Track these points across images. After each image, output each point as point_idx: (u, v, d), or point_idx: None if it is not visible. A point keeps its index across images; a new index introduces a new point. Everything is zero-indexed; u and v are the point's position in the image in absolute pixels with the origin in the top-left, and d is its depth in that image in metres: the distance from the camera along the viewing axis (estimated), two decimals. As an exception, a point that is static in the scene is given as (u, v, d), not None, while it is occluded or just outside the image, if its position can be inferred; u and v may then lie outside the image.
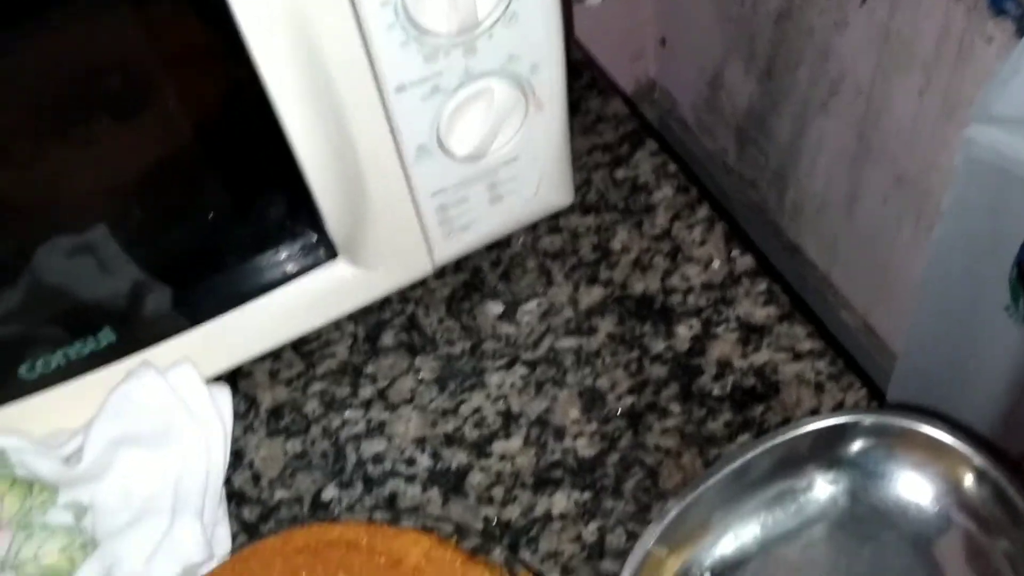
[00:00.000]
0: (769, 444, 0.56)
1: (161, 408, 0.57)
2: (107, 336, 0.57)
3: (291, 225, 0.61)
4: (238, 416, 0.64)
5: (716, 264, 0.69)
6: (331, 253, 0.62)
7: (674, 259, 0.69)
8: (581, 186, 0.73)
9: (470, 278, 0.70)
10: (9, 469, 0.55)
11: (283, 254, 0.61)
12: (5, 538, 0.54)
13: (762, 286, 0.67)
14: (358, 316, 0.69)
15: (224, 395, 0.61)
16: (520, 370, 0.65)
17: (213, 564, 0.54)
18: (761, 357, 0.64)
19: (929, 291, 0.84)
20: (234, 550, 0.57)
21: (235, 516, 0.60)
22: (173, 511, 0.55)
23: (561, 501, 0.59)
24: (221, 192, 0.59)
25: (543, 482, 0.60)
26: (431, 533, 0.53)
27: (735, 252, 0.69)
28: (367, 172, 0.57)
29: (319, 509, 0.60)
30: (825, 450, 0.56)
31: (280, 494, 0.61)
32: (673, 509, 0.54)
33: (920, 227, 0.93)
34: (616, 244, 0.70)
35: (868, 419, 0.56)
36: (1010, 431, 0.60)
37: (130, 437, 0.56)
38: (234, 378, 0.65)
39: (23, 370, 0.56)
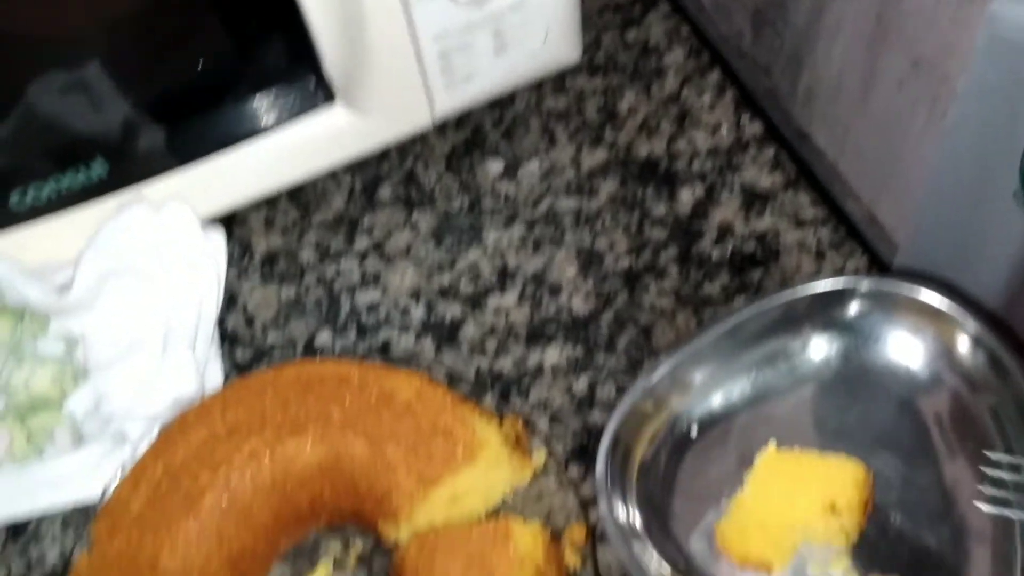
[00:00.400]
0: (765, 305, 0.56)
1: (153, 242, 0.56)
2: (100, 168, 0.56)
3: (289, 66, 0.59)
4: (232, 261, 0.63)
5: (724, 130, 0.67)
6: (329, 97, 0.60)
7: (681, 124, 0.68)
8: (590, 46, 0.71)
9: (471, 135, 0.69)
10: (-1, 294, 0.55)
11: (280, 96, 0.60)
12: (-3, 364, 0.54)
13: (769, 153, 0.66)
14: (355, 169, 0.68)
15: (218, 236, 0.61)
16: (518, 228, 0.65)
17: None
18: (763, 223, 0.63)
19: (939, 174, 0.82)
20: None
21: (228, 357, 0.60)
22: (164, 344, 0.55)
23: (553, 355, 0.59)
24: (218, 28, 0.57)
25: (536, 336, 0.60)
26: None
27: (744, 118, 0.68)
28: (368, 10, 0.55)
29: (312, 354, 0.60)
30: (821, 313, 0.56)
31: (273, 338, 0.61)
32: (664, 363, 0.54)
33: (934, 115, 0.91)
34: (623, 107, 0.69)
35: (865, 284, 0.55)
36: (1013, 315, 0.59)
37: (121, 269, 0.56)
38: (229, 225, 0.65)
39: (14, 199, 0.56)
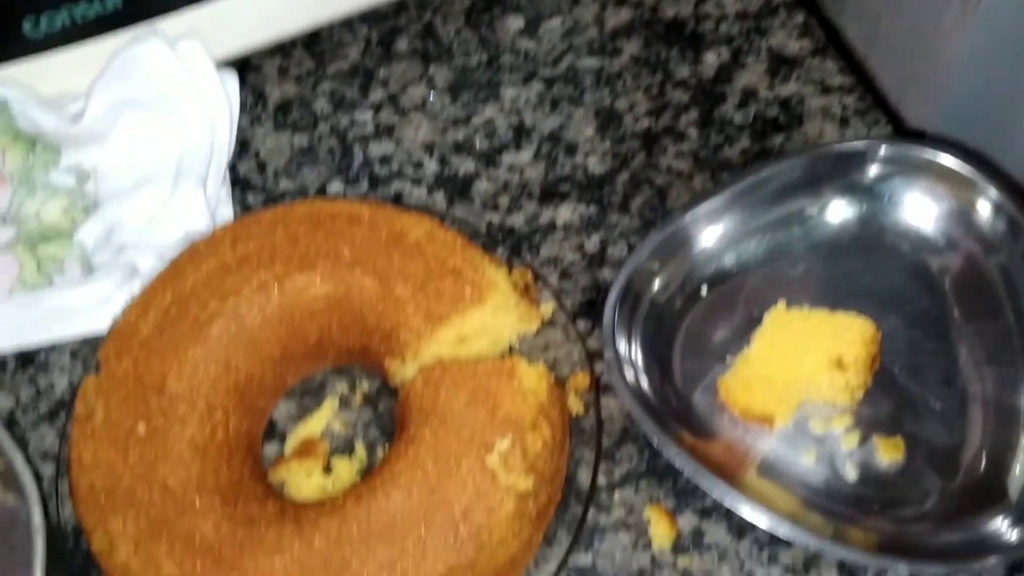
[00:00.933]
0: (784, 164, 0.55)
1: (166, 76, 0.55)
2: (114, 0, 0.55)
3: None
4: (245, 108, 0.62)
5: (753, -7, 0.65)
6: (348, -63, 0.59)
7: (709, -15, 0.66)
8: (618, -98, 0.68)
9: (492, -10, 0.67)
10: (11, 120, 0.54)
11: (298, -65, 0.58)
12: (6, 192, 0.54)
13: (799, 19, 0.64)
14: (372, 20, 0.66)
15: (232, 80, 0.60)
16: (537, 86, 0.63)
17: (215, 236, 0.54)
18: (788, 89, 0.62)
19: (969, 64, 0.80)
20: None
21: (239, 201, 0.60)
22: (176, 178, 0.54)
23: (566, 213, 0.59)
24: None
25: (550, 194, 0.59)
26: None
27: (774, -18, 0.65)
28: None
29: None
30: (841, 175, 0.55)
31: (285, 184, 0.60)
32: (678, 218, 0.54)
33: (969, 5, 0.88)
34: (649, -34, 0.67)
35: (887, 147, 0.54)
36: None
37: (134, 101, 0.55)
38: (243, 73, 0.63)
39: (27, 27, 0.55)
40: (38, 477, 0.51)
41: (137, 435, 0.45)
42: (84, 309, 0.53)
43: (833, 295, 0.53)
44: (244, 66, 0.64)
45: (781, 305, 0.52)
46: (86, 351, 0.55)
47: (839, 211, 0.55)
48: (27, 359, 0.55)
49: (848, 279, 0.54)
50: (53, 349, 0.55)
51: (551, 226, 0.58)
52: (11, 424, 0.53)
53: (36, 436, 0.53)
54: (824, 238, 0.55)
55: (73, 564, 0.48)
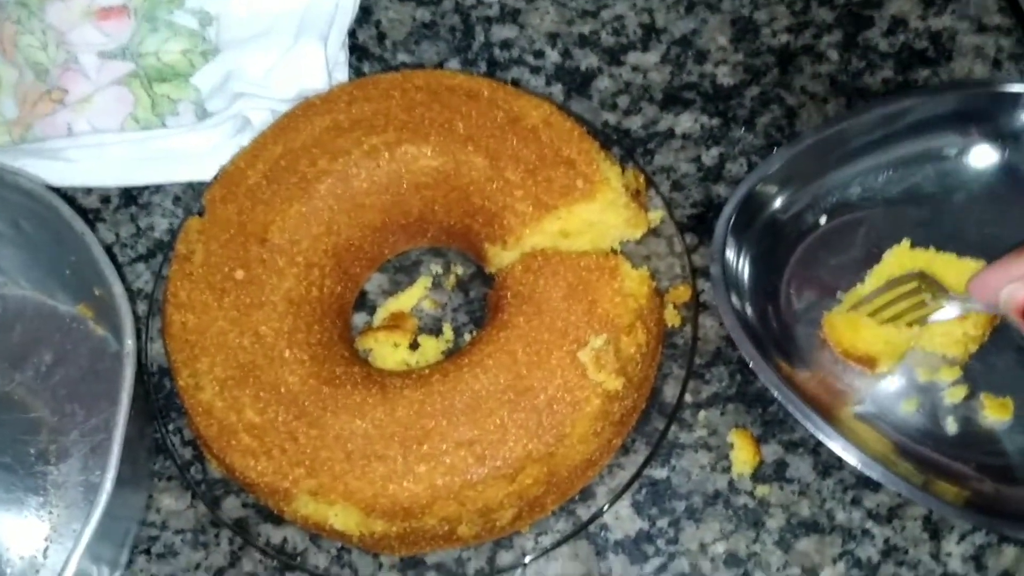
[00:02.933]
0: (929, 96, 0.52)
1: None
2: None
3: None
4: (371, -26, 0.61)
5: (918, -85, 0.61)
6: None
7: (872, -100, 0.61)
8: None
9: None
10: (142, -48, 0.54)
11: None
12: (130, 25, 0.54)
13: (964, -52, 0.60)
14: (512, -100, 0.63)
15: (362, -60, 0.58)
16: (673, -14, 0.60)
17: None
18: (941, 22, 0.58)
19: None
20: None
21: (355, 69, 0.58)
22: (298, 33, 0.53)
23: (687, 121, 0.56)
24: None
25: (672, 100, 0.57)
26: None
27: (944, -95, 0.61)
28: None
29: (439, 78, 0.58)
30: (990, 118, 0.51)
31: (403, 57, 0.59)
32: (805, 140, 0.51)
33: None
34: None
35: (1048, 93, 0.50)
36: None
37: (265, -52, 0.54)
38: (373, -63, 0.62)
39: None
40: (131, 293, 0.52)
41: (235, 280, 0.45)
42: (192, 155, 0.53)
43: (961, 242, 0.50)
44: (374, -69, 0.62)
45: (905, 244, 0.49)
46: (189, 197, 0.55)
47: (981, 155, 0.51)
48: (131, 197, 0.55)
49: (979, 227, 0.50)
50: (157, 191, 0.55)
51: (669, 133, 0.56)
52: (110, 258, 0.54)
53: (132, 274, 0.53)
54: (960, 182, 0.52)
55: (155, 402, 0.48)
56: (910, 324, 0.47)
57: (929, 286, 0.47)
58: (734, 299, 0.48)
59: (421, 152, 0.48)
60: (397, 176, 0.48)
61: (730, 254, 0.49)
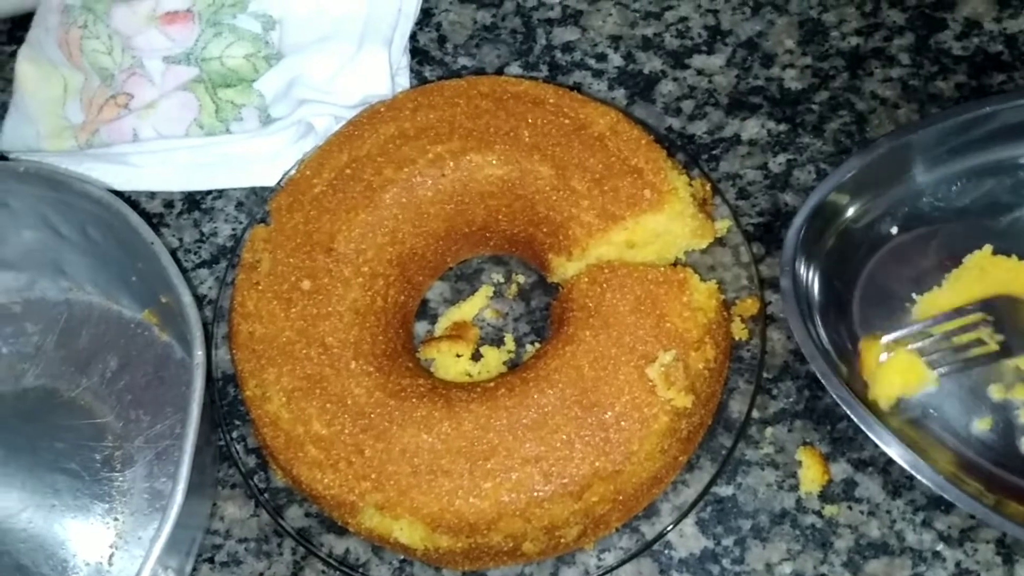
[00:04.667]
0: (1007, 103, 0.50)
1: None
2: None
3: None
4: (432, -24, 0.60)
5: (995, -87, 0.59)
6: None
7: (947, -102, 0.60)
8: None
9: None
10: (207, -45, 0.53)
11: None
12: (194, 30, 0.54)
13: (1043, -53, 0.58)
14: (574, -102, 0.62)
15: (424, -57, 0.57)
16: (739, -12, 0.59)
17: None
18: (1017, 24, 0.56)
19: None
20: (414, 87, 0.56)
21: (416, 72, 0.58)
22: (361, 38, 0.53)
23: (754, 127, 0.55)
24: None
25: (739, 105, 0.56)
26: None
27: (1022, -97, 0.59)
28: None
29: (500, 82, 0.58)
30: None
31: (463, 61, 0.58)
32: (878, 149, 0.49)
33: None
34: None
35: None
36: None
37: (328, -47, 0.54)
38: (433, -62, 0.61)
39: None
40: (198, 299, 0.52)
41: (301, 290, 0.45)
42: (256, 160, 0.53)
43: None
44: (435, -69, 0.61)
45: (987, 249, 0.48)
46: (252, 202, 0.55)
47: (1060, 165, 0.50)
48: (194, 202, 0.55)
49: (1059, 240, 0.49)
50: (220, 196, 0.55)
51: (735, 139, 0.55)
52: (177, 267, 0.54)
53: (195, 279, 0.54)
54: (1038, 193, 0.50)
55: (220, 409, 0.49)
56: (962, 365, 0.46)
57: (999, 320, 0.46)
58: (804, 312, 0.47)
59: (486, 161, 0.48)
60: (462, 185, 0.48)
61: (800, 266, 0.48)
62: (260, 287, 0.46)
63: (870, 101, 0.55)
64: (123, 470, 0.49)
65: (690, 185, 0.48)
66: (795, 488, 0.46)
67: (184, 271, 0.54)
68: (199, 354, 0.42)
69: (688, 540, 0.45)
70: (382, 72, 0.52)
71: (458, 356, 0.49)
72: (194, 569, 0.47)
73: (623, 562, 0.44)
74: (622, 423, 0.41)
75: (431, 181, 0.48)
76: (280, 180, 0.52)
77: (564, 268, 0.48)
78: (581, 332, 0.44)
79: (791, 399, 0.48)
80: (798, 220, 0.48)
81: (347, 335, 0.44)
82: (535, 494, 0.41)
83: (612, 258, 0.47)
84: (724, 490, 0.46)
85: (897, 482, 0.46)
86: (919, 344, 0.47)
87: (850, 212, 0.50)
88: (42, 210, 0.49)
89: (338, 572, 0.46)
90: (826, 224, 0.49)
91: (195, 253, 0.54)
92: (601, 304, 0.44)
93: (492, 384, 0.44)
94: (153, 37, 0.53)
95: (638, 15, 0.59)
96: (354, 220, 0.47)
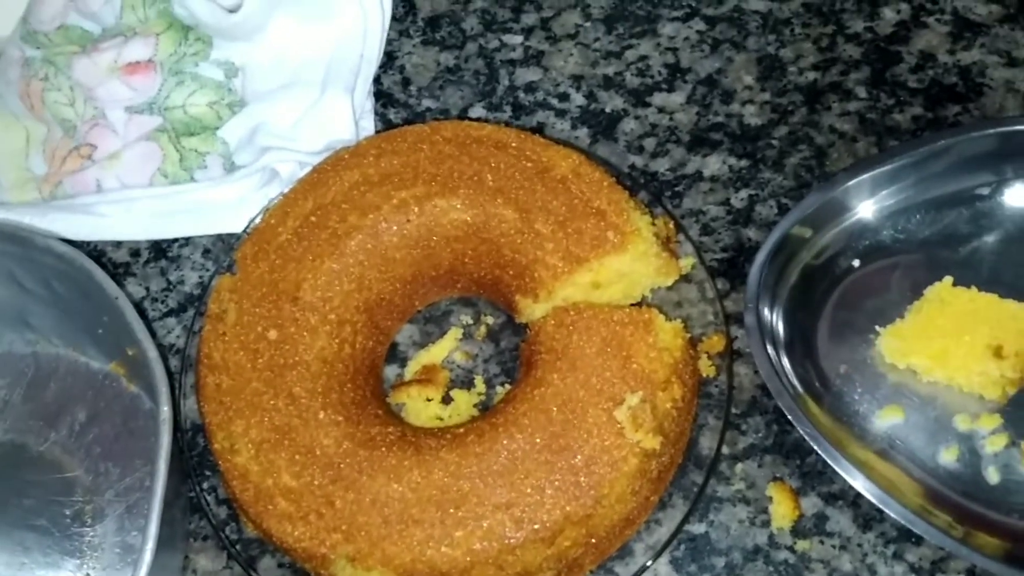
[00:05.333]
0: (960, 137, 0.51)
1: (324, -24, 0.54)
2: None
3: None
4: (395, 19, 0.61)
5: (944, -52, 0.60)
6: None
7: (898, -67, 0.61)
8: None
9: (662, -81, 0.63)
10: (167, 4, 0.53)
11: None
12: (156, 79, 0.54)
13: (992, -20, 0.59)
14: (533, -61, 0.63)
15: (386, -13, 0.58)
16: (698, 24, 0.60)
17: (355, 148, 0.53)
18: (970, 56, 0.57)
19: None
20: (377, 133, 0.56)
21: (380, 115, 0.58)
22: (324, 84, 0.53)
23: (715, 163, 0.56)
24: None
25: (700, 141, 0.56)
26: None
27: (970, -63, 0.60)
28: None
29: (464, 123, 0.58)
30: (1020, 157, 0.51)
31: (428, 103, 0.59)
32: (837, 184, 0.50)
33: None
34: (834, -93, 0.62)
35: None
36: None
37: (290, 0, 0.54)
38: (395, -19, 0.62)
39: (189, -88, 0.54)
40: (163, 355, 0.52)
41: (268, 340, 0.45)
42: (221, 207, 0.53)
43: (999, 284, 0.49)
44: (397, -26, 0.62)
45: (947, 281, 0.49)
46: (218, 249, 0.55)
47: (1017, 195, 0.51)
48: (160, 250, 0.55)
49: (1016, 268, 0.50)
50: (186, 243, 0.55)
51: (697, 176, 0.56)
52: (140, 314, 0.53)
53: (163, 328, 0.53)
54: (995, 222, 0.51)
55: (189, 460, 0.48)
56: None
57: None
58: (769, 348, 0.48)
59: (451, 205, 0.48)
60: (427, 230, 0.48)
61: (764, 302, 0.49)
62: (226, 338, 0.46)
63: (828, 135, 0.56)
64: (93, 525, 0.48)
65: (653, 224, 0.49)
66: (767, 524, 0.47)
67: (151, 321, 0.54)
68: (165, 410, 0.42)
69: (662, 579, 0.46)
70: (345, 118, 0.52)
71: (428, 400, 0.49)
72: (166, 624, 0.46)
73: (598, 604, 0.44)
74: (592, 467, 0.42)
75: (396, 227, 0.48)
76: (246, 227, 0.52)
77: (531, 309, 0.48)
78: (549, 375, 0.44)
79: (760, 434, 0.49)
80: (760, 257, 0.49)
81: (315, 384, 0.44)
82: (507, 541, 0.41)
83: (578, 299, 0.47)
84: (697, 528, 0.47)
85: (867, 515, 0.46)
86: None
87: (812, 246, 0.51)
88: (6, 265, 0.48)
89: (312, 623, 0.46)
90: (788, 259, 0.50)
91: (162, 302, 0.54)
92: (568, 346, 0.44)
93: (462, 430, 0.44)
94: (115, 88, 0.53)
95: (599, 54, 0.60)
96: (320, 268, 0.47)
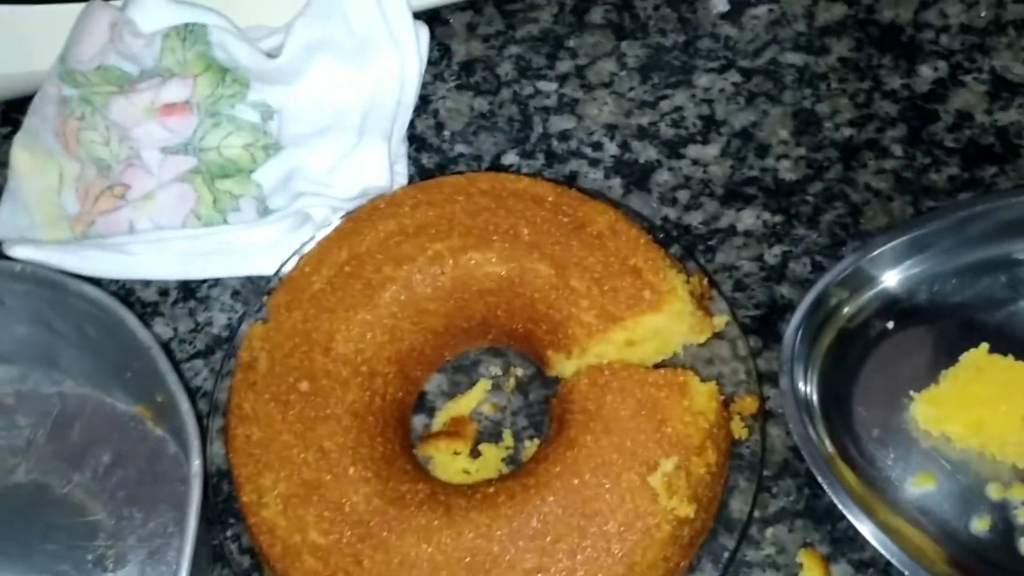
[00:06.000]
0: (998, 202, 0.51)
1: (365, 23, 0.54)
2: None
3: None
4: (430, 63, 0.60)
5: (982, 6, 0.60)
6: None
7: (936, -10, 0.61)
8: None
9: (699, -32, 0.63)
10: (206, 47, 0.53)
11: None
12: (192, 120, 0.54)
13: (1031, 40, 0.59)
14: (570, -16, 0.63)
15: (424, 33, 0.58)
16: (733, 76, 0.60)
17: (390, 195, 0.52)
18: (1008, 116, 0.57)
19: None
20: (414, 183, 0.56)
21: (413, 160, 0.58)
22: (361, 131, 0.53)
23: (749, 218, 0.55)
24: None
25: (734, 195, 0.56)
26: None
27: (1009, -4, 0.60)
28: None
29: (498, 171, 0.58)
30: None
31: (461, 148, 0.59)
32: (874, 246, 0.50)
33: None
34: (872, -38, 0.62)
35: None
36: None
37: (330, 44, 0.54)
38: (431, 24, 0.61)
39: (230, -46, 0.54)
40: (193, 402, 0.51)
41: (299, 392, 0.45)
42: (252, 250, 0.53)
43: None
44: (433, 18, 0.62)
45: (983, 348, 0.48)
46: (248, 291, 0.55)
47: (1055, 263, 0.50)
48: (189, 291, 0.55)
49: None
50: (216, 284, 0.55)
51: (731, 230, 0.55)
52: (167, 355, 0.53)
53: (190, 371, 0.53)
54: (1033, 289, 0.51)
55: (213, 507, 0.48)
56: None
57: None
58: (803, 411, 0.47)
59: (486, 259, 0.48)
60: (461, 283, 0.48)
61: (798, 365, 0.48)
62: (257, 388, 0.45)
63: (864, 193, 0.55)
64: (115, 570, 0.48)
65: (687, 282, 0.49)
66: (797, 591, 0.46)
67: (178, 363, 0.53)
68: (196, 464, 0.41)
69: (690, 646, 0.45)
70: (381, 165, 0.52)
71: (456, 453, 0.49)
72: (187, 676, 0.46)
73: (625, 671, 0.44)
74: (625, 533, 0.41)
75: (430, 279, 0.48)
76: (277, 271, 0.52)
77: (563, 365, 0.48)
78: (582, 436, 0.44)
79: (791, 497, 0.48)
80: (795, 319, 0.48)
81: (345, 439, 0.44)
82: (537, 606, 0.40)
83: (612, 356, 0.47)
84: (726, 593, 0.46)
85: (898, 584, 0.46)
86: None
87: (847, 308, 0.50)
88: (37, 307, 0.48)
89: None
90: (823, 321, 0.49)
91: (190, 343, 0.54)
92: (602, 407, 0.44)
93: (492, 489, 0.43)
94: (151, 128, 0.53)
95: (633, 104, 0.59)
96: (353, 319, 0.46)
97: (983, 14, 0.60)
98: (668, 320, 0.47)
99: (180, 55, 0.54)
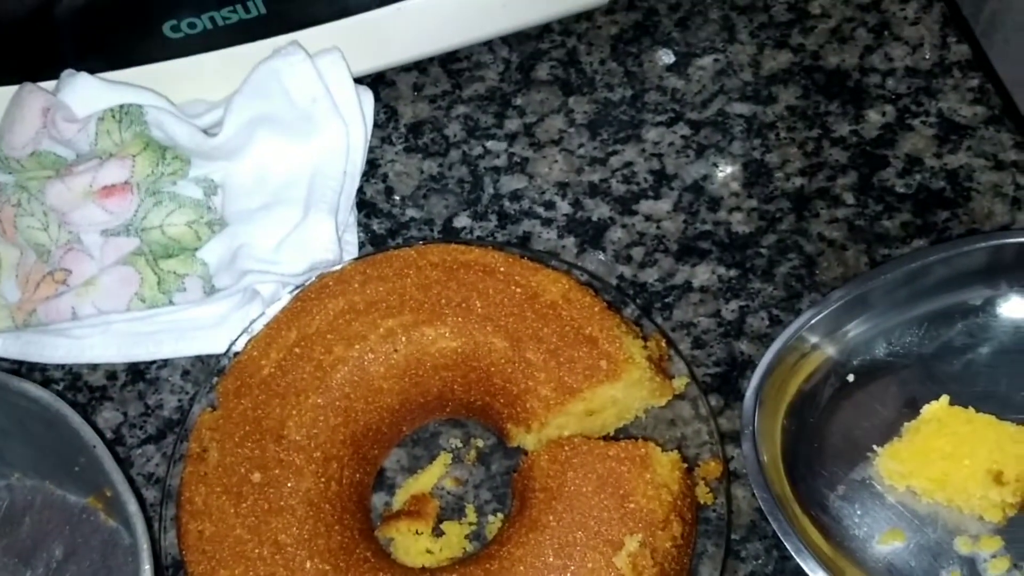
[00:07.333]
0: (951, 252, 0.51)
1: (306, 95, 0.53)
2: (256, 7, 0.53)
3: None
4: (376, 125, 0.60)
5: (926, 49, 0.60)
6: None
7: (879, 35, 0.61)
8: (787, -65, 0.64)
9: (643, 19, 0.63)
10: (143, 127, 0.52)
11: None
12: (133, 201, 0.53)
13: (974, 82, 0.59)
14: (513, 42, 0.63)
15: (368, 100, 0.57)
16: (682, 129, 0.59)
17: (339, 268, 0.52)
18: (958, 159, 0.57)
19: None
20: (362, 257, 0.55)
21: (363, 226, 0.57)
22: (307, 204, 0.52)
23: (704, 273, 0.55)
24: None
25: (688, 251, 0.56)
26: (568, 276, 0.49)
27: (951, 39, 0.60)
28: None
29: (450, 235, 0.57)
30: (1017, 268, 0.50)
31: (412, 212, 0.58)
32: (831, 300, 0.50)
33: None
34: (815, 7, 0.62)
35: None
36: None
37: (271, 118, 0.53)
38: (376, 86, 0.61)
39: (168, 28, 0.53)
40: (141, 500, 0.50)
41: (252, 483, 0.44)
42: (200, 328, 0.52)
43: (995, 400, 0.48)
44: (378, 79, 0.61)
45: (944, 400, 0.48)
46: (197, 370, 0.53)
47: (1012, 307, 0.50)
48: (138, 373, 0.54)
49: (1012, 380, 0.49)
50: (165, 365, 0.54)
51: (687, 286, 0.55)
52: (118, 440, 0.52)
53: (141, 457, 0.52)
54: (991, 335, 0.50)
55: (170, 598, 0.47)
56: None
57: None
58: (767, 472, 0.47)
59: (439, 334, 0.47)
60: (415, 359, 0.47)
61: (760, 425, 0.48)
62: (208, 480, 0.44)
63: (817, 243, 0.55)
64: (69, 672, 0.46)
65: (645, 347, 0.48)
66: (769, 658, 0.45)
67: (129, 448, 0.52)
68: (147, 568, 0.40)
69: None
70: (329, 239, 0.51)
71: (418, 533, 0.47)
72: None
73: None
74: (591, 616, 0.40)
75: (383, 356, 0.47)
76: (228, 349, 0.50)
77: (523, 438, 0.47)
78: (544, 516, 0.43)
79: (760, 560, 0.47)
80: (754, 381, 0.48)
81: (300, 531, 0.43)
82: None
83: (572, 427, 0.46)
84: (697, 664, 0.45)
85: (871, 646, 0.45)
86: None
87: (805, 365, 0.50)
88: (-23, 404, 0.47)
89: None
90: (782, 380, 0.49)
91: (140, 428, 0.52)
92: (564, 484, 0.43)
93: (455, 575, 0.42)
94: (90, 212, 0.52)
95: (584, 160, 0.59)
96: (304, 404, 0.45)
97: (927, 56, 0.60)
98: (627, 388, 0.46)
99: (117, 136, 0.52)
